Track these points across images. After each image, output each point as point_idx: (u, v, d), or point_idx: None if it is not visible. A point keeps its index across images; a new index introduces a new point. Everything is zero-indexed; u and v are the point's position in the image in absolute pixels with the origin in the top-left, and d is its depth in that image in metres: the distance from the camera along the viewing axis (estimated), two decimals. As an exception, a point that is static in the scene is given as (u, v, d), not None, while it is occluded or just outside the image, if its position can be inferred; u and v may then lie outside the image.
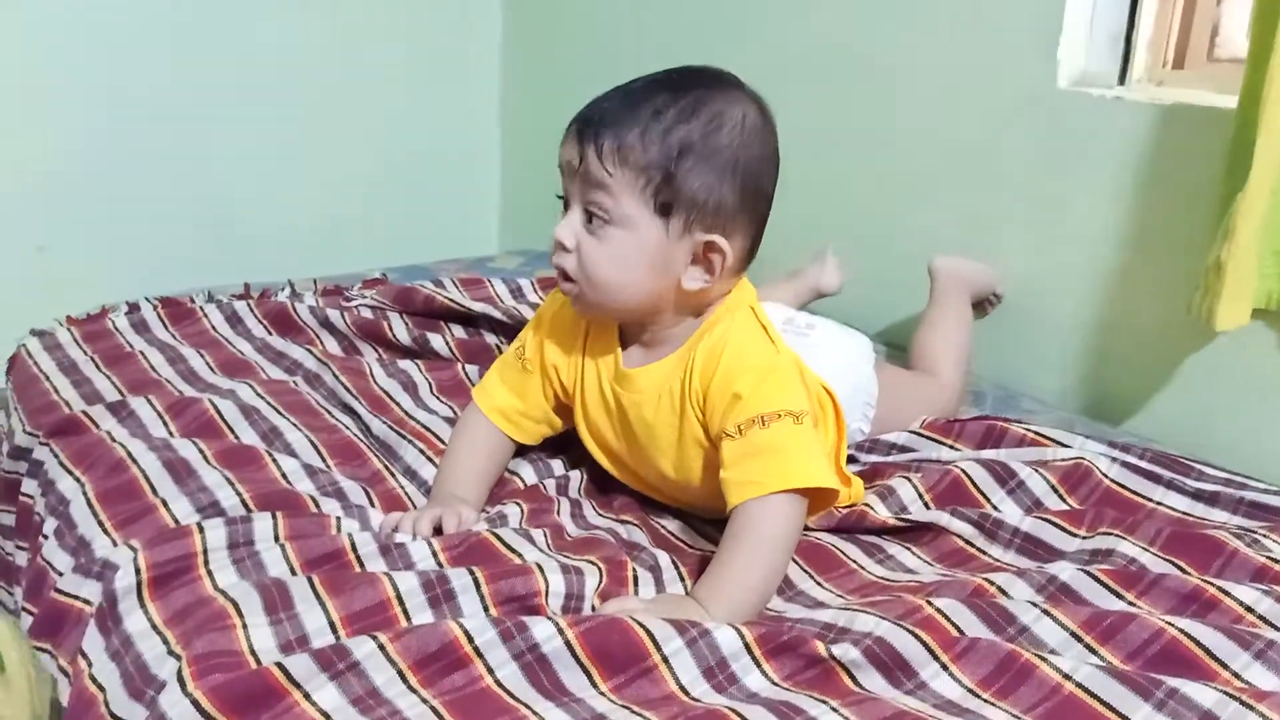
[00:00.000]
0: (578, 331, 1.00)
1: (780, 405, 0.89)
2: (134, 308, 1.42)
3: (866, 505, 1.00)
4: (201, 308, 1.42)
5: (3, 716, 0.76)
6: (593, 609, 0.83)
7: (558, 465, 1.08)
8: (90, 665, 0.76)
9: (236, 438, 1.06)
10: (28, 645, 0.82)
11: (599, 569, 0.86)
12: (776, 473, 0.88)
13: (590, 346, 0.99)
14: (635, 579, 0.88)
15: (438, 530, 0.91)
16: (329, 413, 1.14)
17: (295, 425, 1.08)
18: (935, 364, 1.29)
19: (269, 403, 1.13)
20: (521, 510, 0.97)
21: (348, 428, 1.11)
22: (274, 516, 0.85)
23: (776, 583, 0.88)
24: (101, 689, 0.73)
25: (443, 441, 1.07)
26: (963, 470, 1.03)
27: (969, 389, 1.33)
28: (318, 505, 0.92)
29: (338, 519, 0.89)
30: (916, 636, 0.77)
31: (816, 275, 1.42)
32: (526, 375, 1.02)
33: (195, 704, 0.67)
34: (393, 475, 1.04)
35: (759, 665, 0.75)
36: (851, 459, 1.11)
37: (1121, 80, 1.36)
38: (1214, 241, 1.10)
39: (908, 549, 0.98)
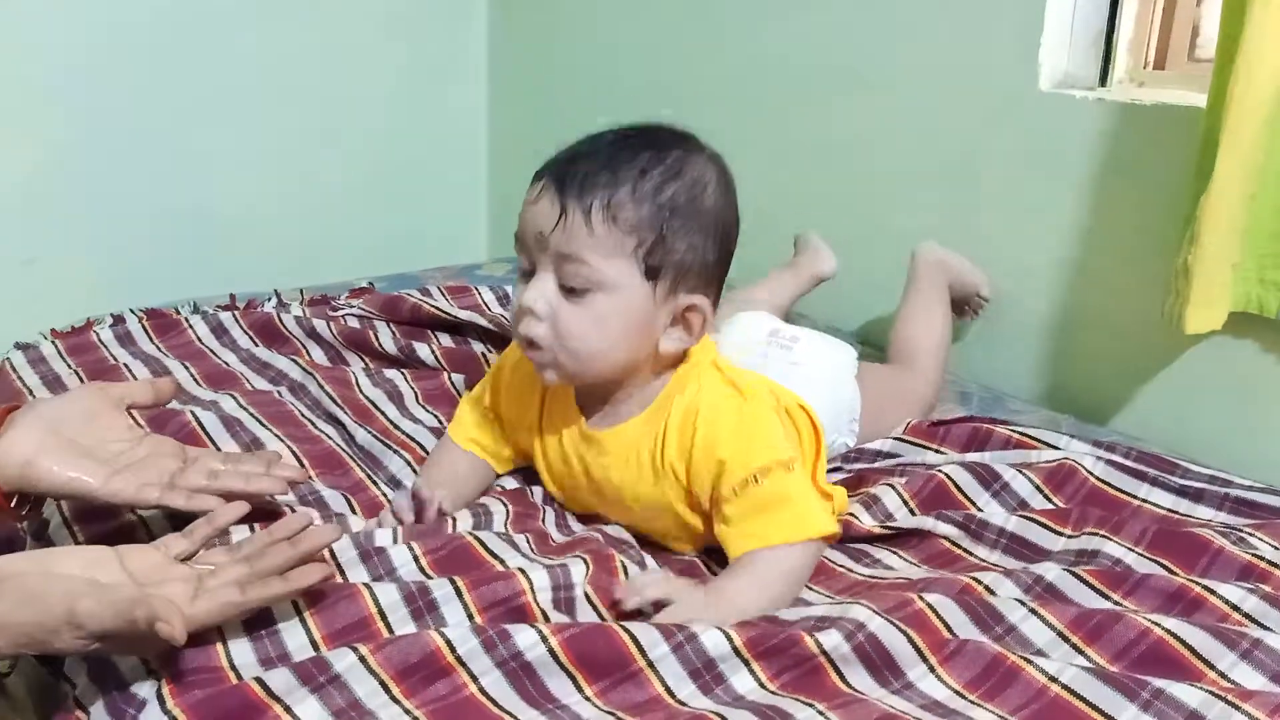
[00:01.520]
0: (535, 387, 0.98)
1: (768, 458, 0.88)
2: (119, 320, 1.41)
3: (851, 515, 1.00)
4: (187, 319, 1.42)
5: None
6: (585, 596, 0.82)
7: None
8: (74, 689, 0.75)
9: (218, 450, 1.05)
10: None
11: (585, 560, 0.85)
12: (785, 526, 0.88)
13: (549, 404, 0.98)
14: (624, 570, 0.88)
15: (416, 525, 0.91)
16: (312, 423, 1.14)
17: (277, 436, 1.08)
18: (913, 356, 1.27)
19: (251, 414, 1.12)
20: (507, 510, 0.96)
21: (330, 438, 1.11)
22: (252, 529, 0.85)
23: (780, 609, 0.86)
24: (86, 711, 0.73)
25: (427, 451, 1.07)
26: (946, 474, 1.03)
27: (948, 382, 1.32)
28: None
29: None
30: (907, 636, 0.76)
31: (812, 262, 1.40)
32: (490, 420, 1.03)
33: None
34: (375, 484, 1.03)
35: (747, 665, 0.75)
36: (836, 468, 1.10)
37: (1103, 81, 1.36)
38: (1182, 245, 1.10)
39: (894, 553, 0.98)
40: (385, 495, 1.02)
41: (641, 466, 0.92)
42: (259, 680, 0.69)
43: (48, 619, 0.66)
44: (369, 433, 1.10)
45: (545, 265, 0.87)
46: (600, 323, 0.87)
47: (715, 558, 0.95)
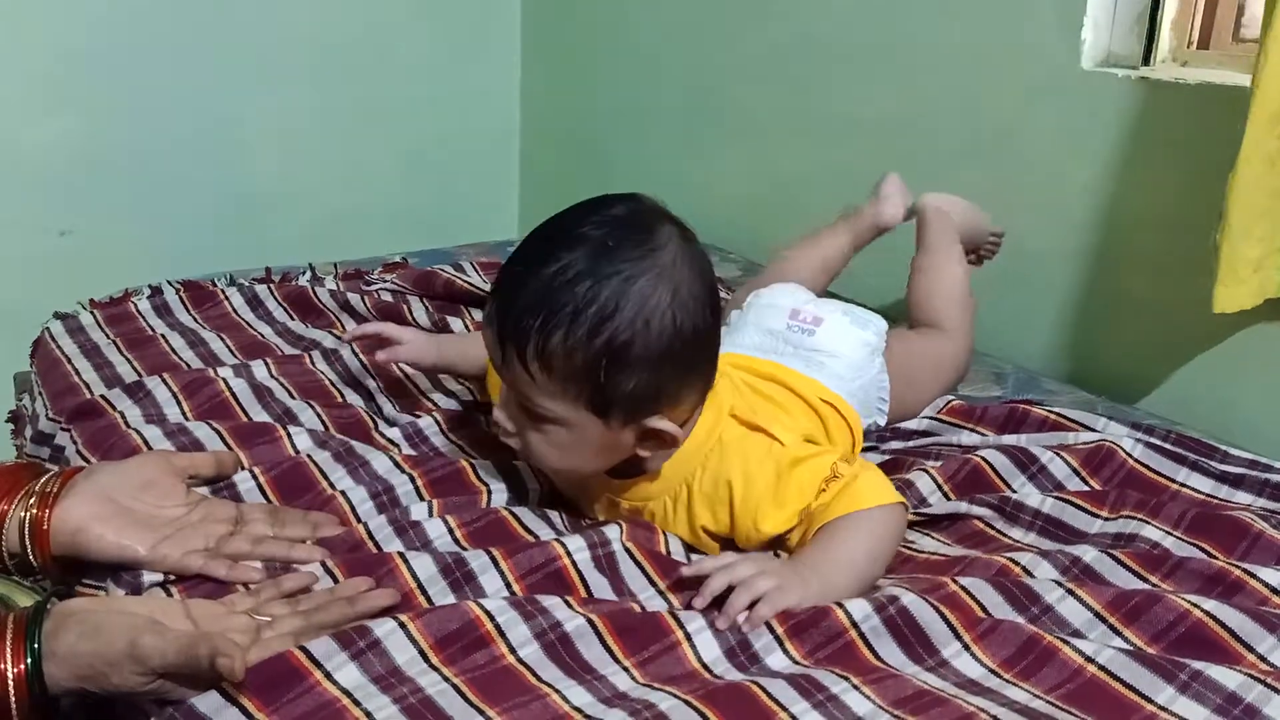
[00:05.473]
0: None
1: (809, 491, 0.85)
2: (156, 291, 1.43)
3: None
4: (223, 291, 1.43)
5: None
6: (625, 549, 0.83)
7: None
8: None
9: (249, 419, 1.06)
10: None
11: (619, 523, 0.86)
12: (862, 495, 0.84)
13: None
14: (665, 537, 0.88)
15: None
16: (341, 394, 1.14)
17: (308, 404, 1.09)
18: (938, 316, 1.21)
19: (282, 383, 1.14)
20: (540, 487, 0.96)
21: (359, 407, 1.12)
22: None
23: (872, 577, 0.83)
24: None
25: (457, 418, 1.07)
26: (982, 458, 1.02)
27: (983, 360, 1.30)
28: (329, 481, 0.94)
29: (343, 493, 0.91)
30: (940, 613, 0.76)
31: (874, 211, 1.30)
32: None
33: (218, 687, 0.67)
34: (397, 445, 1.03)
35: (781, 644, 0.75)
36: (872, 447, 1.10)
37: (1146, 60, 1.34)
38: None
39: (927, 535, 0.97)
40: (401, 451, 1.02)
41: (676, 506, 0.90)
42: (300, 646, 0.70)
43: (109, 651, 0.67)
44: (397, 407, 1.11)
45: (507, 385, 0.85)
46: (562, 449, 0.85)
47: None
